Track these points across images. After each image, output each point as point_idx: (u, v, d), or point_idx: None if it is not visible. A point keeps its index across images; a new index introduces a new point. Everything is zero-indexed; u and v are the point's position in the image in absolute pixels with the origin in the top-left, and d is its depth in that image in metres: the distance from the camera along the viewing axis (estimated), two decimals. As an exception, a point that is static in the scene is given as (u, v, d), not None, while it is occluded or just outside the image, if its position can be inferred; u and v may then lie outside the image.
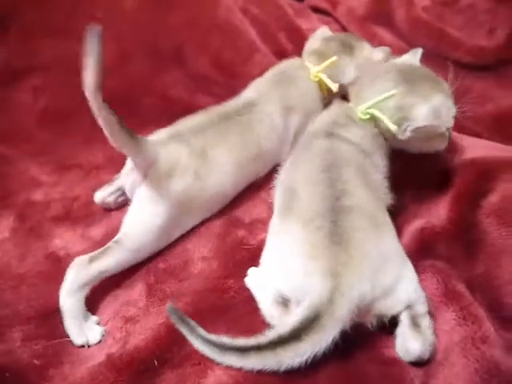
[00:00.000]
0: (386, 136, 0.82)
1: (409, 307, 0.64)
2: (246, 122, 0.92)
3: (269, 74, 1.06)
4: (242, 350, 0.54)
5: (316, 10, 1.53)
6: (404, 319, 0.65)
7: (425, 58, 1.24)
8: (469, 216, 0.80)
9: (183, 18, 1.20)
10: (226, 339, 0.58)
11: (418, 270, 0.78)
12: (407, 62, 0.89)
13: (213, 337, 0.59)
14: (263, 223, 0.87)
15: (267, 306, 0.67)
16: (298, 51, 1.31)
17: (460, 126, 1.13)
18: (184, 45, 1.20)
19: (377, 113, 0.79)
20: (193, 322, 0.62)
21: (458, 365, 0.62)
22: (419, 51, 0.93)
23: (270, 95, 0.98)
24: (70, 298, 0.74)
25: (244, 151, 0.90)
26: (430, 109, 0.77)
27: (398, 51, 1.27)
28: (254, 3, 1.34)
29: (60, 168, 1.11)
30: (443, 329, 0.69)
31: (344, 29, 1.39)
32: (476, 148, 0.87)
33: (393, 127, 0.77)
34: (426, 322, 0.64)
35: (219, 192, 0.89)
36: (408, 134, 0.77)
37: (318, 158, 0.75)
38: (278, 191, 0.79)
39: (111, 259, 0.77)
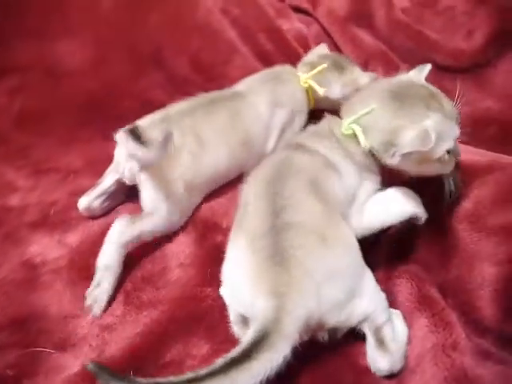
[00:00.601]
0: (378, 156, 0.75)
1: (368, 319, 0.64)
2: (233, 107, 0.97)
3: (260, 74, 1.11)
4: (196, 381, 0.51)
5: (297, 10, 1.53)
6: (368, 334, 0.65)
7: (404, 60, 1.27)
8: (443, 221, 0.81)
9: (162, 20, 1.18)
10: (173, 378, 0.52)
11: (394, 274, 0.80)
12: (405, 80, 0.82)
13: (159, 380, 0.54)
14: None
15: (232, 322, 0.67)
16: (278, 52, 1.31)
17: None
18: (163, 47, 1.18)
19: (356, 128, 0.75)
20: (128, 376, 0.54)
21: (428, 372, 0.63)
22: (426, 67, 0.85)
23: (258, 89, 1.04)
24: (114, 254, 0.79)
25: (232, 133, 0.96)
26: (419, 133, 0.68)
27: (378, 53, 1.29)
28: (234, 4, 1.32)
29: (37, 172, 1.09)
30: (417, 335, 0.70)
31: (324, 30, 1.39)
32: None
33: (364, 144, 0.73)
34: (387, 333, 0.65)
35: (214, 174, 0.94)
36: (397, 158, 0.72)
37: (269, 169, 0.73)
38: (239, 202, 0.75)
39: (150, 222, 0.84)
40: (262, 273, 0.60)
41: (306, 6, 1.47)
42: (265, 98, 1.02)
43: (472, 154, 0.86)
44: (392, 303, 0.75)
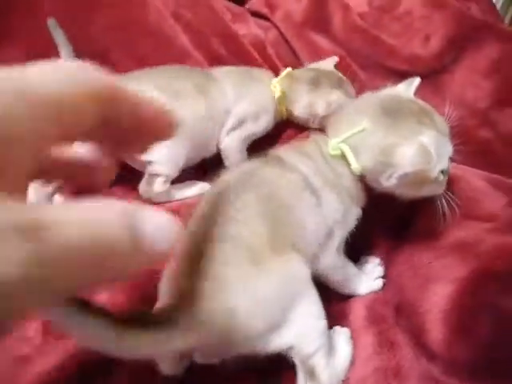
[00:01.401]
0: (370, 180, 0.70)
1: (294, 348, 0.58)
2: (201, 81, 0.99)
3: (234, 67, 1.12)
4: None
5: (257, 15, 1.49)
6: (298, 366, 0.59)
7: (361, 66, 1.23)
8: (399, 243, 0.78)
9: (108, 22, 1.12)
10: None
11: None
12: (394, 94, 0.77)
13: None
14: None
15: None
16: (232, 57, 1.26)
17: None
18: (109, 50, 1.12)
19: (345, 148, 0.68)
20: None
21: None
22: (415, 81, 0.81)
23: (228, 76, 1.05)
24: None
25: (200, 102, 0.96)
26: (417, 150, 0.62)
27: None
28: (187, 8, 1.27)
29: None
30: (361, 356, 0.66)
31: (282, 35, 1.34)
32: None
33: (355, 167, 0.67)
34: (319, 362, 0.58)
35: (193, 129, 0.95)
36: (394, 181, 0.66)
37: (233, 176, 0.67)
38: None
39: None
40: (179, 270, 0.56)
41: (264, 10, 1.44)
42: (232, 86, 1.03)
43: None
44: (342, 320, 0.72)
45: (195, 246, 0.57)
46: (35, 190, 0.91)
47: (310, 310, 0.60)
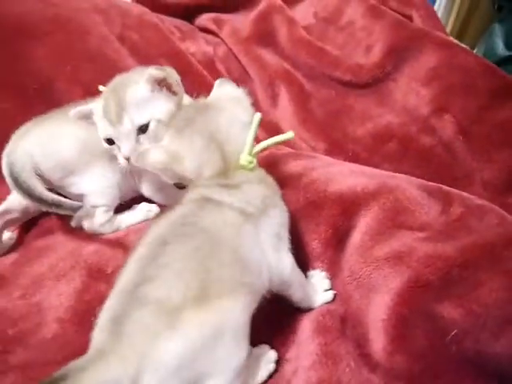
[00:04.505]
0: None
1: None
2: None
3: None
4: None
5: (206, 31, 1.50)
6: None
7: (307, 78, 1.26)
8: (340, 255, 0.79)
9: (50, 52, 1.12)
10: None
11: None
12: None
13: None
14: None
15: None
16: (181, 76, 1.26)
17: (339, 147, 1.14)
18: (54, 80, 1.12)
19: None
20: None
21: None
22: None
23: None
24: None
25: None
26: None
27: (282, 72, 1.28)
28: (133, 29, 1.28)
29: None
30: (303, 365, 0.67)
31: (231, 51, 1.36)
32: (343, 176, 0.85)
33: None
34: None
35: None
36: None
37: (162, 226, 0.64)
38: None
39: None
40: (99, 328, 0.56)
41: (212, 27, 1.46)
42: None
43: (362, 177, 0.84)
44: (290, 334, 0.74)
45: (119, 303, 0.57)
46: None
47: (235, 366, 0.58)
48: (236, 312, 0.59)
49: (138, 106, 0.82)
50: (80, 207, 0.89)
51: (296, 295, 0.74)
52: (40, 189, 0.86)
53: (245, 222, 0.65)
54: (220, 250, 0.61)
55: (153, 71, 0.82)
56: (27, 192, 0.86)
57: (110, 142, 0.85)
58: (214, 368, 0.56)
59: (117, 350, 0.52)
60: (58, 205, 0.87)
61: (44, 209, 0.89)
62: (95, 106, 0.86)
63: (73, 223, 0.96)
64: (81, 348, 0.70)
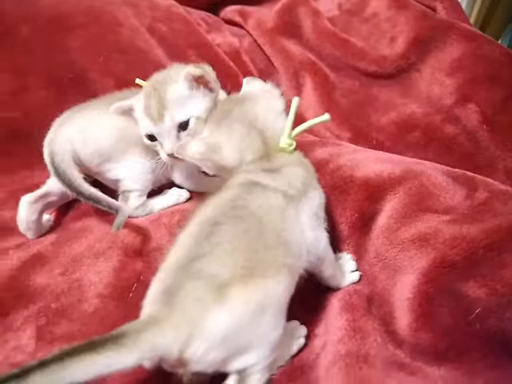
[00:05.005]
0: None
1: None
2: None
3: None
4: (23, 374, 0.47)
5: (232, 23, 1.53)
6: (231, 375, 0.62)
7: (332, 69, 1.28)
8: (366, 238, 0.82)
9: (83, 43, 1.16)
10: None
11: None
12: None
13: None
14: (161, 252, 0.85)
15: None
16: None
17: (364, 136, 1.16)
18: (87, 71, 1.16)
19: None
20: None
21: (337, 380, 0.63)
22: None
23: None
24: None
25: None
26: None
27: (307, 63, 1.30)
28: (163, 21, 1.32)
29: (-40, 206, 1.05)
30: (332, 339, 0.70)
31: (256, 42, 1.39)
32: (369, 162, 0.88)
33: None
34: (255, 379, 0.62)
35: None
36: None
37: (213, 208, 0.68)
38: None
39: None
40: (151, 298, 0.60)
41: (238, 19, 1.49)
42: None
43: (388, 163, 0.87)
44: (320, 312, 0.77)
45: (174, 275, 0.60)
46: (26, 207, 0.96)
47: (274, 340, 0.62)
48: (278, 291, 0.63)
49: (177, 104, 0.85)
50: (118, 207, 0.90)
51: (327, 272, 0.77)
52: (79, 181, 0.91)
53: (288, 205, 0.69)
54: (266, 232, 0.65)
55: (191, 69, 0.85)
56: (67, 183, 0.90)
57: (152, 138, 0.89)
58: (254, 341, 0.60)
59: (170, 318, 0.55)
60: (96, 200, 0.90)
61: (82, 201, 0.92)
62: (135, 102, 0.89)
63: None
64: (120, 321, 0.74)
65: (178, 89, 0.86)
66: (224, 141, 0.74)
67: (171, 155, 0.85)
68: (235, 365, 0.60)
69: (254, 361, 0.61)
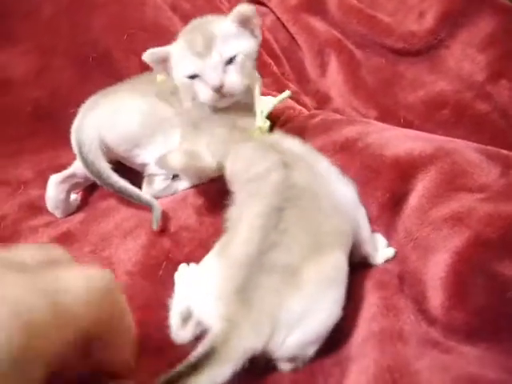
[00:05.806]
0: None
1: None
2: None
3: None
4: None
5: (254, 1, 1.51)
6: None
7: (358, 46, 1.25)
8: (396, 218, 0.80)
9: (107, 22, 1.16)
10: None
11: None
12: None
13: None
14: (189, 231, 0.85)
15: (173, 312, 0.65)
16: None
17: (391, 114, 1.14)
18: (110, 49, 1.16)
19: None
20: None
21: (370, 357, 0.62)
22: None
23: None
24: None
25: None
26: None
27: (332, 40, 1.28)
28: (185, -1, 1.31)
29: (-14, 186, 1.07)
30: (364, 316, 0.69)
31: (279, 20, 1.37)
32: (398, 140, 0.86)
33: None
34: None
35: None
36: None
37: (268, 197, 0.66)
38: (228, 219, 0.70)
39: None
40: (225, 297, 0.58)
41: (260, -4, 1.46)
42: None
43: (418, 141, 0.85)
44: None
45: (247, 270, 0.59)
46: (54, 186, 0.97)
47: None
48: (344, 261, 0.63)
49: (226, 39, 0.85)
50: (148, 203, 0.91)
51: (364, 232, 0.76)
52: (108, 172, 0.92)
53: (328, 172, 0.71)
54: (320, 201, 0.65)
55: (241, 8, 0.85)
56: (96, 175, 0.92)
57: (192, 78, 0.87)
58: (324, 318, 0.60)
59: (250, 318, 0.55)
60: (127, 194, 0.92)
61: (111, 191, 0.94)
62: (172, 48, 0.90)
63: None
64: (150, 298, 0.76)
65: (226, 24, 0.86)
66: (200, 145, 0.76)
67: (217, 89, 0.83)
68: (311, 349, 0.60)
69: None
